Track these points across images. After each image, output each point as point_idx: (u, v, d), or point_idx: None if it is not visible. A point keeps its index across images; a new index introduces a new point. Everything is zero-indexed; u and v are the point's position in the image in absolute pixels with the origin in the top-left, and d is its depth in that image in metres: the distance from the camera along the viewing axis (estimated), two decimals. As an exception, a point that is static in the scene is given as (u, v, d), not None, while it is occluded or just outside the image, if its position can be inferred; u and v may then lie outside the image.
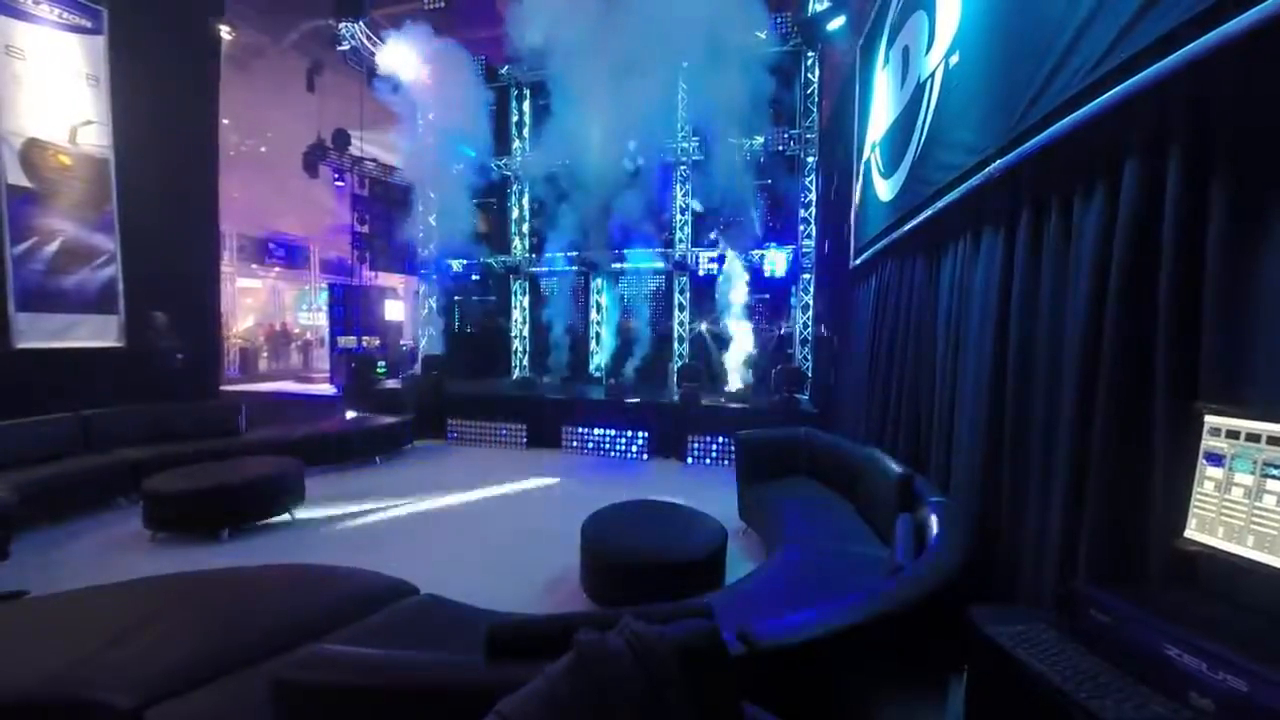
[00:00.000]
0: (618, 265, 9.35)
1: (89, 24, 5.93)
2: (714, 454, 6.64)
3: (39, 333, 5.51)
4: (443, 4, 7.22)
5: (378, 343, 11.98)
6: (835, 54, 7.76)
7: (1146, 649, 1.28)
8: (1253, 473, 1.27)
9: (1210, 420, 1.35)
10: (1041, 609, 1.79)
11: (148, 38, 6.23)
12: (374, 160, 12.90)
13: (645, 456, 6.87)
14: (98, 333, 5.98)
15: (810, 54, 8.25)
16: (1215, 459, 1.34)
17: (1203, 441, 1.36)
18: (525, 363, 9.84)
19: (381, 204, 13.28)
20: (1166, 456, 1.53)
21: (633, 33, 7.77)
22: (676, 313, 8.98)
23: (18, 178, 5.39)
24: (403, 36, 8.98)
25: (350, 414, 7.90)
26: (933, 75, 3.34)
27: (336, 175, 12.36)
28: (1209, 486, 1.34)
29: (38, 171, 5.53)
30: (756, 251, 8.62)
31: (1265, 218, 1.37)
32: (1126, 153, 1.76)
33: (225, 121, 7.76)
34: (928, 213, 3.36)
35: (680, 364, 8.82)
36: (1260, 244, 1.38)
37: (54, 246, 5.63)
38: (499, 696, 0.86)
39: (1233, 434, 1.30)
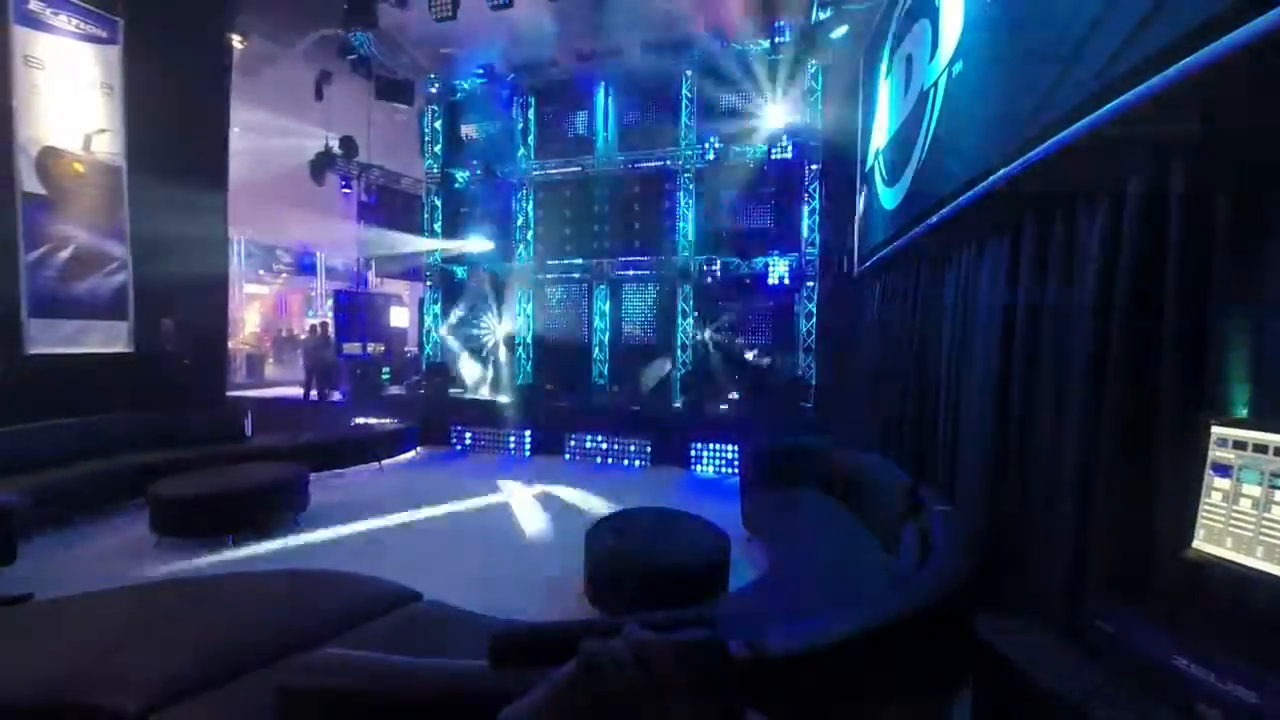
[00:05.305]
0: (621, 273, 9.38)
1: (104, 34, 6.04)
2: (717, 462, 6.63)
3: (51, 338, 5.58)
4: (451, 14, 7.30)
5: (383, 349, 12.03)
6: (839, 62, 7.80)
7: (1154, 659, 1.27)
8: (1260, 483, 1.26)
9: (1217, 431, 1.35)
10: (1047, 619, 1.77)
11: (161, 47, 6.33)
12: (380, 168, 13.02)
13: (648, 464, 6.86)
14: (108, 339, 6.04)
15: (814, 61, 8.28)
16: (1223, 470, 1.33)
17: (1210, 452, 1.35)
18: (529, 370, 9.86)
19: (388, 211, 13.39)
20: (1173, 467, 1.53)
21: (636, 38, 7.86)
22: (680, 320, 8.99)
23: (33, 185, 5.48)
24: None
25: (355, 420, 7.93)
26: (936, 83, 3.35)
27: (343, 183, 12.48)
28: (1216, 497, 1.34)
29: (52, 179, 5.61)
30: (759, 259, 8.62)
31: (1271, 229, 1.37)
32: (1131, 162, 1.76)
33: (235, 129, 7.86)
34: (931, 221, 3.37)
35: (683, 372, 8.81)
36: (1266, 255, 1.38)
37: (67, 253, 5.70)
38: (502, 703, 0.86)
39: (1240, 445, 1.30)
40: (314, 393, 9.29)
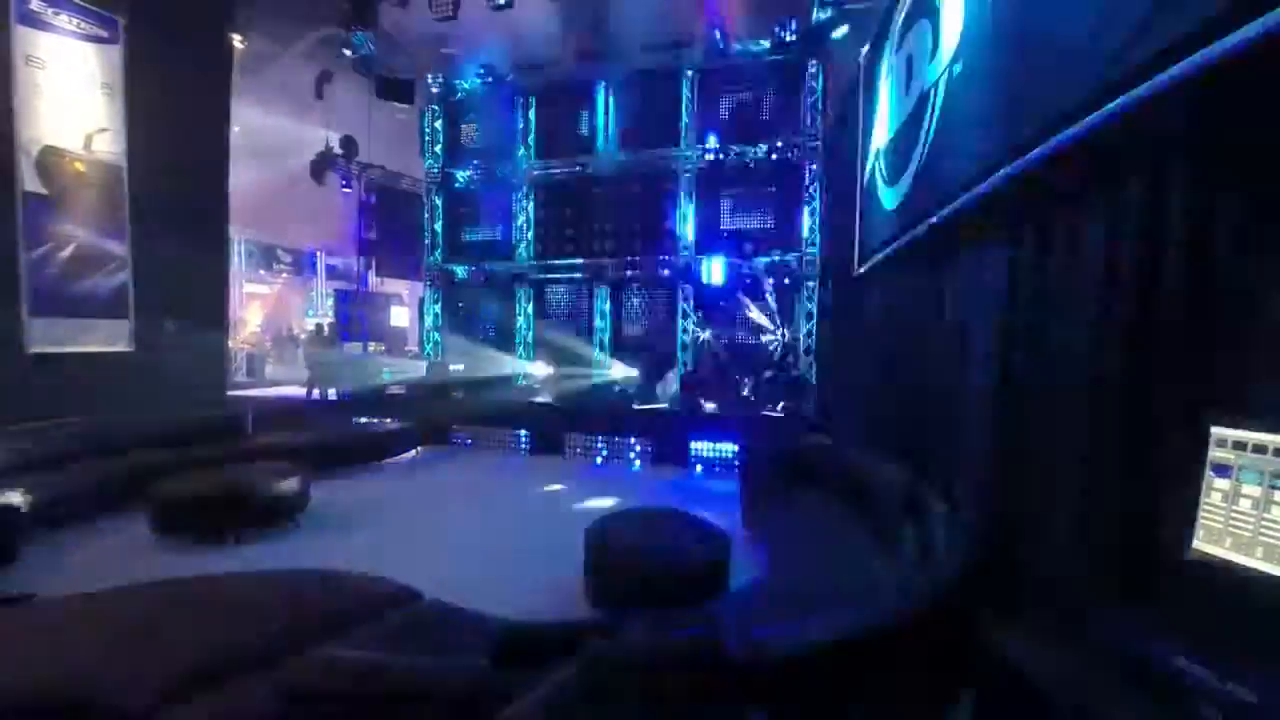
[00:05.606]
0: (622, 272, 9.38)
1: (106, 34, 6.04)
2: (717, 462, 6.63)
3: (51, 338, 5.58)
4: (452, 14, 7.32)
5: (384, 348, 12.06)
6: (839, 61, 7.80)
7: (1154, 659, 1.27)
8: (1260, 484, 1.26)
9: (1217, 431, 1.35)
10: (1047, 619, 1.77)
11: (162, 47, 6.34)
12: (381, 167, 13.04)
13: (649, 463, 6.86)
14: (108, 338, 6.05)
15: (814, 61, 8.29)
16: (1222, 470, 1.33)
17: (1209, 453, 1.35)
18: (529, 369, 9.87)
19: (388, 211, 13.42)
20: (1173, 467, 1.53)
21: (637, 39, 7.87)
22: (680, 320, 8.99)
23: (34, 185, 5.49)
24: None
25: (355, 420, 7.94)
26: (936, 84, 3.35)
27: (344, 183, 12.50)
28: (1216, 498, 1.34)
29: (53, 178, 5.62)
30: (762, 259, 8.63)
31: (1270, 226, 1.37)
32: (1132, 161, 1.77)
33: (235, 129, 7.86)
34: (932, 221, 3.37)
35: (683, 372, 8.82)
36: (1267, 253, 1.38)
37: (67, 252, 5.71)
38: (503, 703, 0.86)
39: (1239, 445, 1.30)
40: (315, 392, 9.31)
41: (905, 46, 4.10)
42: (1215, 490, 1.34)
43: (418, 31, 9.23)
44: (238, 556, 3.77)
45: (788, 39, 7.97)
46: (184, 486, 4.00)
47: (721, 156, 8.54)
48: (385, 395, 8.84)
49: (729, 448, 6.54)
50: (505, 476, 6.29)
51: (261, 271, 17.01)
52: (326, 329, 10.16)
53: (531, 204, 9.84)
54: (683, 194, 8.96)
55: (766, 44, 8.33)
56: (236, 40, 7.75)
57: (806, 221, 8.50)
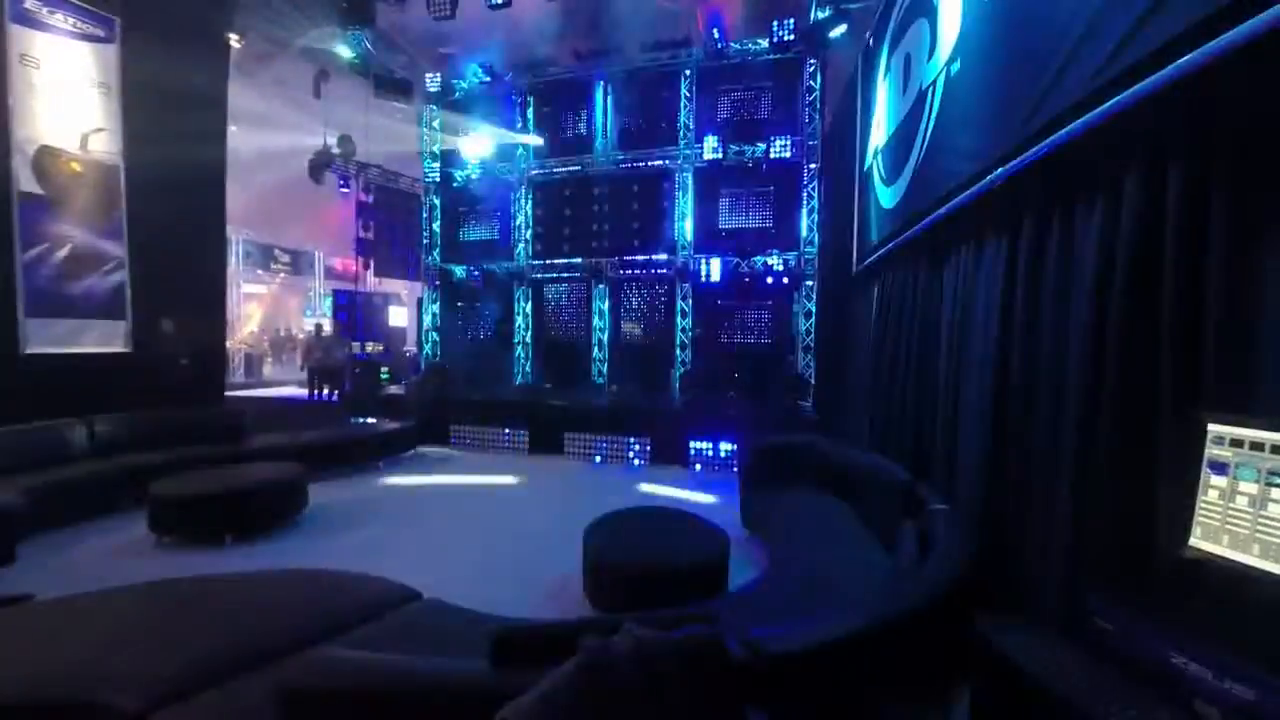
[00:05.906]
0: (621, 272, 9.37)
1: (101, 33, 6.02)
2: (716, 461, 6.64)
3: (48, 338, 5.56)
4: (450, 14, 7.30)
5: (382, 349, 12.05)
6: (837, 61, 7.81)
7: (1152, 657, 1.27)
8: (1257, 481, 1.26)
9: (1214, 429, 1.35)
10: (1046, 617, 1.78)
11: (158, 46, 6.31)
12: (379, 167, 13.01)
13: (648, 463, 6.87)
14: (105, 338, 6.03)
15: (812, 61, 8.29)
16: (1219, 467, 1.33)
17: (1206, 450, 1.36)
18: (528, 369, 9.86)
19: (386, 210, 13.40)
20: (1170, 465, 1.53)
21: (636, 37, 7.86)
22: (679, 319, 8.99)
23: (30, 185, 5.46)
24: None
25: (354, 420, 7.93)
26: (934, 83, 3.36)
27: (342, 182, 12.47)
28: (1213, 495, 1.34)
29: (49, 178, 5.60)
30: (759, 258, 8.63)
31: (1267, 225, 1.38)
32: (1128, 160, 1.77)
33: (233, 128, 7.83)
34: (930, 220, 3.37)
35: (682, 370, 8.82)
36: (1262, 251, 1.39)
37: (64, 253, 5.69)
38: (503, 701, 0.86)
39: (1236, 443, 1.30)
40: (318, 392, 9.28)
41: (903, 46, 4.11)
42: (1213, 487, 1.34)
43: (416, 31, 9.21)
44: (237, 556, 3.76)
45: (786, 38, 7.95)
46: (184, 486, 3.99)
47: (721, 156, 8.52)
48: (384, 395, 8.79)
49: (728, 447, 6.55)
50: (504, 476, 6.28)
51: (259, 271, 16.98)
52: (334, 328, 10.12)
53: (530, 203, 9.83)
54: (681, 193, 8.95)
55: (765, 43, 8.33)
56: (234, 40, 7.72)
57: (805, 221, 8.50)
